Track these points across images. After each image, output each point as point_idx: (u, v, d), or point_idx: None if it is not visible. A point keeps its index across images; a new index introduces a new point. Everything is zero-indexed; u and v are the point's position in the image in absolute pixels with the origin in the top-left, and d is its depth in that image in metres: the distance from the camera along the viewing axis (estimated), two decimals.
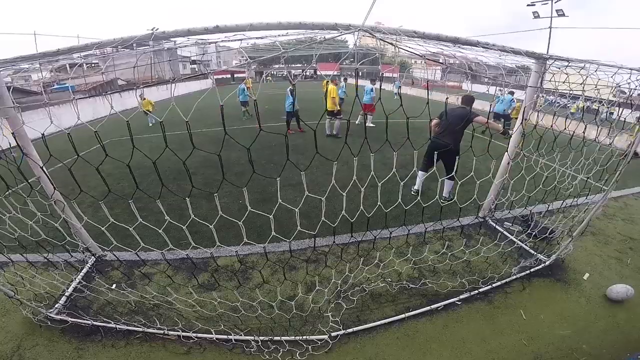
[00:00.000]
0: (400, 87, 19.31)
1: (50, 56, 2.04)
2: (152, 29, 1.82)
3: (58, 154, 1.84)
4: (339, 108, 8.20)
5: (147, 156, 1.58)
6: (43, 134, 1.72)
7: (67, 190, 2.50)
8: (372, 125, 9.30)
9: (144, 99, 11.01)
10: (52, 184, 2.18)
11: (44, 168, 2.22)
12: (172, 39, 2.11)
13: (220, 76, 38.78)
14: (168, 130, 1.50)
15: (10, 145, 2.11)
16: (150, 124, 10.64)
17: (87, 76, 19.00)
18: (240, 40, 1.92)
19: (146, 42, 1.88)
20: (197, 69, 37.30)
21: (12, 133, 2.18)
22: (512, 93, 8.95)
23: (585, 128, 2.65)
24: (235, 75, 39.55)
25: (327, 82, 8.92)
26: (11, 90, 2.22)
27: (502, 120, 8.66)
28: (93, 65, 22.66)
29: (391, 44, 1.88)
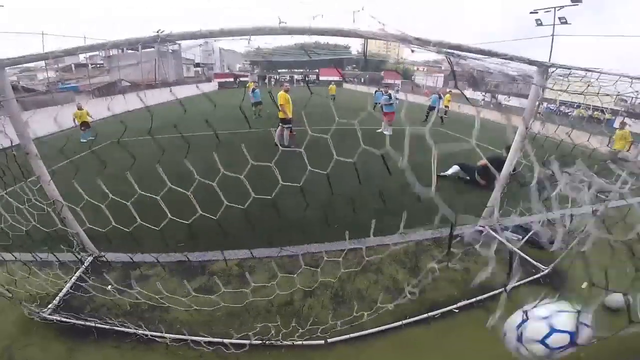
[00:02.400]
0: (398, 91, 19.60)
1: (56, 55, 2.07)
2: (157, 32, 1.85)
3: (59, 153, 1.86)
4: (290, 116, 7.71)
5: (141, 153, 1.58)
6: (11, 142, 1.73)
7: (67, 190, 2.51)
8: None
9: (81, 109, 8.99)
10: (62, 200, 2.19)
11: (45, 168, 2.23)
12: (177, 42, 2.13)
13: (223, 79, 39.09)
14: (169, 132, 1.51)
15: (12, 143, 2.13)
16: (84, 140, 8.60)
17: (92, 77, 19.19)
18: (248, 41, 1.94)
19: (151, 44, 1.91)
20: (200, 72, 37.57)
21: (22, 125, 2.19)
22: (437, 94, 13.35)
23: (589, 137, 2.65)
24: (239, 79, 39.83)
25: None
26: (16, 89, 2.24)
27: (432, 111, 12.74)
28: (98, 65, 22.91)
29: (398, 41, 1.88)
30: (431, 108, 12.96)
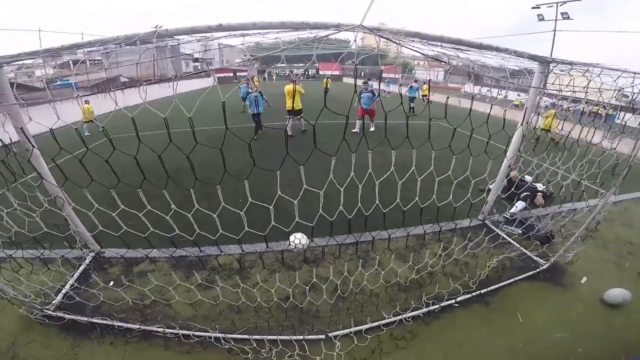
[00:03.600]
0: (389, 84, 20.00)
1: (53, 52, 2.05)
2: (155, 27, 1.83)
3: (62, 149, 1.85)
4: (300, 107, 8.19)
5: (154, 150, 1.58)
6: (51, 129, 1.73)
7: (68, 187, 2.51)
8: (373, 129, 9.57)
9: (87, 102, 9.62)
10: (63, 178, 2.19)
11: (46, 165, 2.23)
12: (175, 37, 2.12)
13: (222, 74, 38.75)
14: (170, 127, 1.51)
15: (11, 140, 2.12)
16: (88, 133, 9.13)
17: (90, 73, 19.03)
18: (243, 36, 1.93)
19: (149, 39, 1.89)
20: (199, 67, 37.28)
21: (21, 128, 2.17)
22: (415, 81, 14.67)
23: (587, 132, 2.65)
24: (238, 74, 39.50)
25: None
26: (14, 86, 2.23)
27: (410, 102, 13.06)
28: (96, 62, 22.71)
29: (396, 42, 1.87)
30: (411, 99, 13.40)
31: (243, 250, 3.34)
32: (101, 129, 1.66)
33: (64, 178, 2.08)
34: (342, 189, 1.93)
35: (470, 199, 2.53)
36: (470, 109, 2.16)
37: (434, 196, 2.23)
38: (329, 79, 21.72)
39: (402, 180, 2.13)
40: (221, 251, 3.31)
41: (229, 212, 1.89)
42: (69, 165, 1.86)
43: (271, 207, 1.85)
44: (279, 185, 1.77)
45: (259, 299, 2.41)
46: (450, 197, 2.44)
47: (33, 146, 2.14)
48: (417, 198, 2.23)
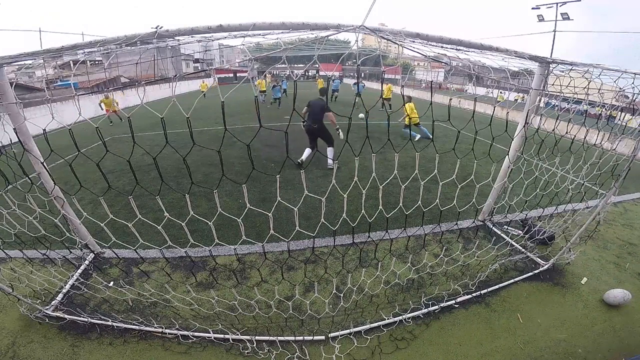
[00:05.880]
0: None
1: (54, 53, 2.06)
2: (156, 27, 1.83)
3: (59, 150, 1.85)
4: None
5: (148, 153, 1.58)
6: (45, 130, 1.73)
7: (67, 187, 2.52)
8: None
9: (108, 97, 10.19)
10: (53, 180, 2.19)
11: (44, 164, 2.23)
12: (175, 38, 2.12)
13: (223, 75, 38.78)
14: (168, 128, 1.51)
15: (11, 141, 2.13)
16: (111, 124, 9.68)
17: (90, 73, 19.06)
18: (244, 37, 1.94)
19: (150, 40, 1.89)
20: (199, 67, 37.35)
21: (14, 128, 2.18)
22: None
23: (587, 132, 2.65)
24: (238, 75, 39.51)
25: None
26: (14, 86, 2.23)
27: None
28: (97, 62, 22.74)
29: (396, 43, 1.88)
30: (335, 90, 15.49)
31: (240, 255, 3.34)
32: (96, 128, 1.65)
33: (65, 178, 2.08)
34: (345, 195, 1.91)
35: (475, 203, 2.54)
36: (474, 111, 2.16)
37: (437, 201, 2.23)
38: (321, 80, 21.98)
39: (404, 184, 2.12)
40: (217, 255, 3.32)
41: (229, 209, 1.88)
42: (71, 165, 1.86)
43: (270, 214, 1.81)
44: (279, 190, 1.77)
45: (257, 297, 2.41)
46: (455, 200, 2.44)
47: (24, 148, 2.14)
48: (419, 202, 2.23)
